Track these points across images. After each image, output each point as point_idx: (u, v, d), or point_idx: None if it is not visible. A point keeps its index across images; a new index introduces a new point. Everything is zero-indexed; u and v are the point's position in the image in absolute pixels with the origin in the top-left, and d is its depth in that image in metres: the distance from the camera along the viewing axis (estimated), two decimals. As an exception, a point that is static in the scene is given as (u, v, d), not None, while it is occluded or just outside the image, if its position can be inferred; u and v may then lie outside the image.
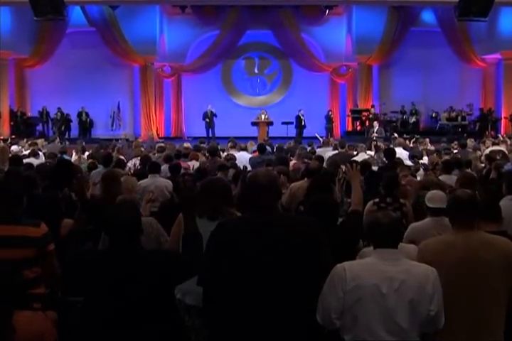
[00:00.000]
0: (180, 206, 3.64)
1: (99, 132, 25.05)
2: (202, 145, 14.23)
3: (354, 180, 4.56)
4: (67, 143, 17.47)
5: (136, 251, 3.17)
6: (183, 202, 3.45)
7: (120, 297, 3.04)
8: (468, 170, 8.52)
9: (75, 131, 24.44)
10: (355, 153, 11.95)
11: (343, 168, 4.98)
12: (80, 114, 24.37)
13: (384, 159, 10.76)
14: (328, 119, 24.55)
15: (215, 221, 3.69)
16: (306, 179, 6.62)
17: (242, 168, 8.63)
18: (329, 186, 5.24)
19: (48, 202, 4.41)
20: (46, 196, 4.61)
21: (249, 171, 7.78)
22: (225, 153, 11.75)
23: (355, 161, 7.00)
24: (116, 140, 20.29)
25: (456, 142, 15.85)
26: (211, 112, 22.95)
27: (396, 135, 19.06)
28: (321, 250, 3.08)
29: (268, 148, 12.88)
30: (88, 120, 24.62)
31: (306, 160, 9.68)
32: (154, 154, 12.25)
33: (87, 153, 12.94)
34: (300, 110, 23.02)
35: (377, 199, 5.95)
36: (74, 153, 13.28)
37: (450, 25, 23.57)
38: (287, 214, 5.58)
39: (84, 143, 15.85)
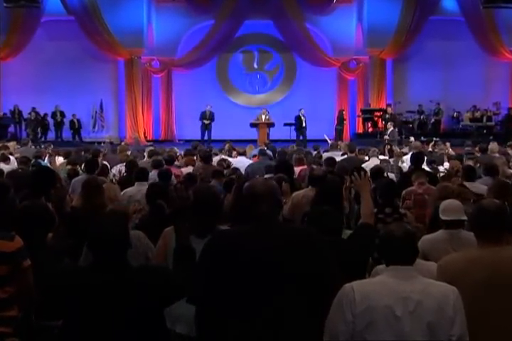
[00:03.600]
0: (170, 217, 3.64)
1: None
2: (197, 148, 14.22)
3: (363, 190, 4.55)
4: (42, 146, 17.39)
5: (123, 268, 3.17)
6: (176, 212, 3.46)
7: (104, 320, 3.03)
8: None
9: (52, 133, 24.41)
10: (366, 158, 11.96)
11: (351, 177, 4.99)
12: (54, 114, 24.36)
13: (399, 165, 10.79)
14: (340, 120, 24.37)
15: (203, 238, 3.69)
16: (310, 187, 6.62)
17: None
18: (338, 196, 5.24)
19: (38, 212, 4.40)
20: (35, 205, 4.61)
21: (246, 179, 7.80)
22: (219, 158, 11.72)
23: (362, 168, 7.01)
24: (99, 143, 20.31)
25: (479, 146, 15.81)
26: (210, 112, 23.01)
27: (412, 138, 19.04)
28: (326, 264, 3.10)
29: (269, 152, 12.88)
30: (76, 120, 24.62)
31: (313, 166, 9.67)
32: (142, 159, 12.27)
33: (61, 158, 12.84)
34: (301, 109, 22.84)
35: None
36: (47, 157, 13.19)
37: (475, 13, 23.65)
38: (289, 224, 5.59)
39: (52, 146, 15.79)
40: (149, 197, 6.32)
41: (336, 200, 5.07)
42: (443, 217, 4.88)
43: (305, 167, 9.90)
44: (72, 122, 24.65)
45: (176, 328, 3.92)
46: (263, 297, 2.98)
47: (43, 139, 23.15)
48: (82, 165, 9.64)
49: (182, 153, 13.32)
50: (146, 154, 12.90)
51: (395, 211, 5.98)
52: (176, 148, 14.77)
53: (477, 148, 13.85)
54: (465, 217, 4.79)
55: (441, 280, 3.29)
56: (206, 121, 22.97)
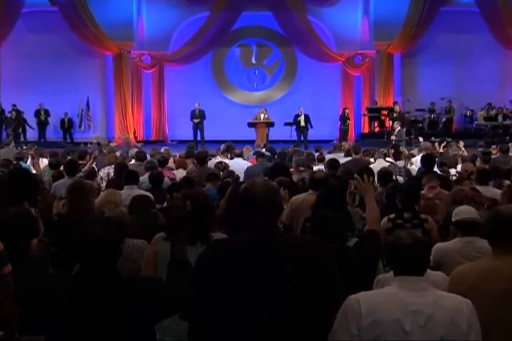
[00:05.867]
0: (165, 227, 3.63)
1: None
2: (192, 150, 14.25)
3: (367, 194, 4.54)
4: (24, 147, 17.42)
5: (112, 279, 3.14)
6: (172, 223, 3.45)
7: (89, 333, 3.01)
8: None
9: (33, 133, 24.38)
10: (372, 160, 11.96)
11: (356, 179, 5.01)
12: (37, 113, 24.35)
13: (408, 167, 10.78)
14: (344, 120, 24.40)
15: (194, 246, 3.68)
16: (310, 191, 6.64)
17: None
18: (340, 200, 5.23)
19: (22, 219, 4.40)
20: (18, 211, 4.61)
21: (242, 182, 7.80)
22: (216, 160, 11.76)
23: (370, 170, 7.00)
24: (85, 144, 20.32)
25: (493, 146, 15.81)
26: (199, 111, 23.03)
27: (421, 139, 19.00)
28: (330, 275, 3.10)
29: (268, 154, 12.89)
30: (67, 120, 24.70)
31: (301, 169, 9.65)
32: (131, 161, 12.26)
33: (45, 160, 12.84)
34: (300, 108, 22.83)
35: (392, 215, 5.96)
36: (29, 159, 13.18)
37: (490, 3, 23.67)
38: (289, 233, 5.60)
39: (36, 147, 15.78)
40: None
41: (338, 205, 5.05)
42: (455, 218, 4.89)
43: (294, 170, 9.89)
44: (62, 121, 24.68)
45: (165, 339, 3.93)
46: (262, 310, 2.98)
47: (22, 139, 23.07)
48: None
49: (177, 154, 13.40)
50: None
51: (415, 216, 5.98)
52: (170, 149, 14.78)
53: (497, 149, 13.88)
54: (478, 218, 4.80)
55: (453, 292, 3.27)
56: (196, 120, 23.03)
